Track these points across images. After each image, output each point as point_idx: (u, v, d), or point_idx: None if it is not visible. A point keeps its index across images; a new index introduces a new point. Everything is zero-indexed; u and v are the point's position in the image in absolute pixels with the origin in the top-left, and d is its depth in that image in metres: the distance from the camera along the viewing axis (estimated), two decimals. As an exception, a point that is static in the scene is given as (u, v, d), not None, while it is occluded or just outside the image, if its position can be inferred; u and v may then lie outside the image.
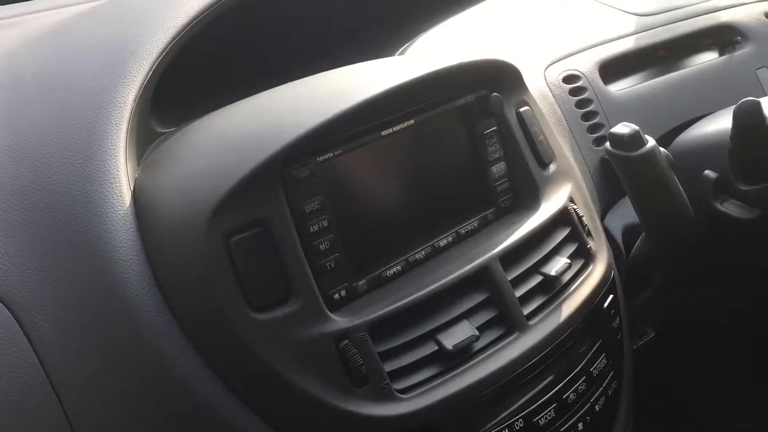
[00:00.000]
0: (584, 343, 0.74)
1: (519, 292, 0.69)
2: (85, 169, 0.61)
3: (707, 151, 0.96)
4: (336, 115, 0.60)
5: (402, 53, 1.01)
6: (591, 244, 0.78)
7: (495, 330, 0.68)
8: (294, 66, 0.80)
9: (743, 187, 0.90)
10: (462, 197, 0.75)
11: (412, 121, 0.69)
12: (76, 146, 0.62)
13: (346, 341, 0.59)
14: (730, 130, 0.86)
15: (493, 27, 1.18)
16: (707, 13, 1.30)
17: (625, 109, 1.09)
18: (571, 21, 1.23)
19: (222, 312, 0.56)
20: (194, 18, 0.71)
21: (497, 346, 0.67)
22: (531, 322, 0.69)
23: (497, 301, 0.68)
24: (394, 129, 0.68)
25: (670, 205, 0.84)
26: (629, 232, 0.99)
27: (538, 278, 0.72)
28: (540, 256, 0.73)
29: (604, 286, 0.77)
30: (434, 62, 0.69)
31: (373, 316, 0.61)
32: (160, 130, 0.74)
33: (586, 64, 1.11)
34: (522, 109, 0.79)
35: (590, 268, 0.77)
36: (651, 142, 0.82)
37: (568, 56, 1.11)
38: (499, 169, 0.77)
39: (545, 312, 0.71)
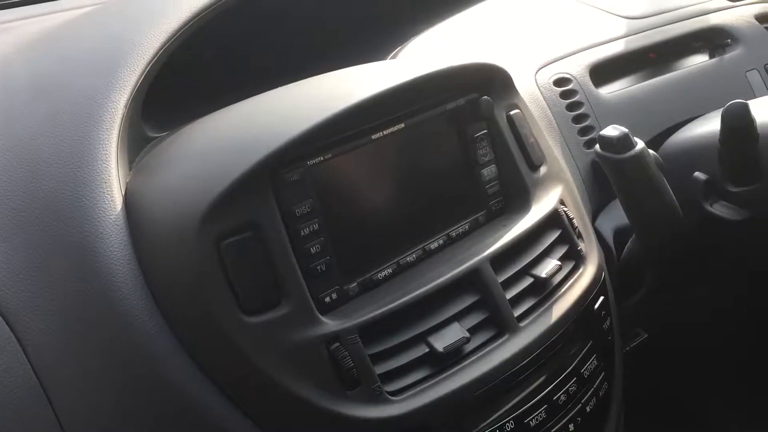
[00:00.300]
0: (575, 345, 0.75)
1: (510, 294, 0.70)
2: (76, 173, 0.61)
3: (697, 153, 0.97)
4: (326, 119, 0.60)
5: (394, 57, 1.02)
6: (581, 246, 0.79)
7: (486, 332, 0.68)
8: (285, 70, 0.80)
9: (733, 189, 0.90)
10: (453, 200, 0.75)
11: (403, 125, 0.69)
12: (67, 151, 0.63)
13: (337, 344, 0.60)
14: (719, 133, 0.86)
15: (484, 31, 1.18)
16: (697, 16, 1.30)
17: (615, 111, 1.09)
18: (562, 24, 1.23)
19: (213, 315, 0.57)
20: (185, 23, 0.72)
21: (488, 348, 0.67)
22: (522, 324, 0.69)
23: (488, 303, 0.69)
24: (385, 132, 0.68)
25: (660, 206, 0.85)
26: (620, 234, 1.00)
27: (529, 280, 0.72)
28: (531, 258, 0.73)
29: (595, 287, 0.78)
30: (425, 66, 0.69)
31: (364, 318, 0.62)
32: (151, 134, 0.74)
33: (576, 67, 1.11)
34: (512, 112, 0.79)
35: (581, 269, 0.78)
36: (640, 144, 0.83)
37: (558, 59, 1.11)
38: (489, 171, 0.77)
39: (536, 314, 0.71)
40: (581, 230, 0.81)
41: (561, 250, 0.77)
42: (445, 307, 0.67)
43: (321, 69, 0.77)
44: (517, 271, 0.72)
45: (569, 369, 0.73)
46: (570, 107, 1.06)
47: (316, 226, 0.62)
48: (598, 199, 1.02)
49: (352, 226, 0.66)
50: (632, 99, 1.13)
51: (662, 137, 1.06)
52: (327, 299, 0.63)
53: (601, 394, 0.76)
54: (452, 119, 0.75)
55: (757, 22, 1.33)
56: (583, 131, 1.06)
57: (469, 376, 0.65)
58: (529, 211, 0.77)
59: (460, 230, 0.74)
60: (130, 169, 0.66)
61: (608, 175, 0.87)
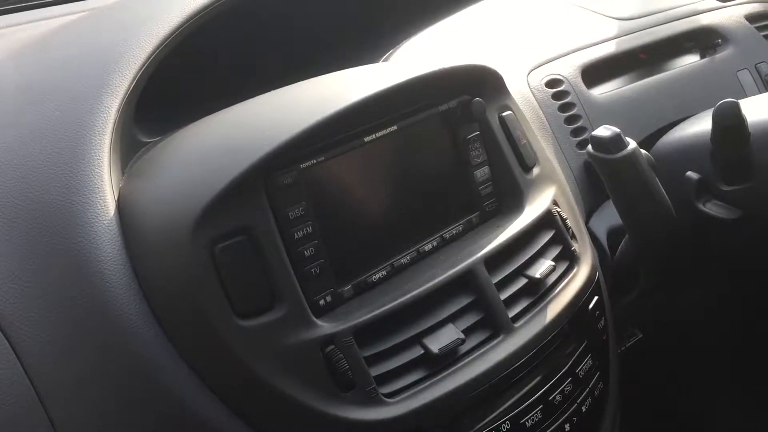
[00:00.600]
0: (570, 345, 0.75)
1: (504, 295, 0.70)
2: (69, 179, 0.61)
3: (689, 152, 0.97)
4: (318, 122, 0.60)
5: (386, 60, 1.02)
6: (575, 246, 0.79)
7: (481, 333, 0.68)
8: (278, 74, 0.80)
9: (725, 188, 0.91)
10: (446, 201, 0.75)
11: (395, 127, 0.70)
12: (60, 157, 0.62)
13: (332, 346, 0.60)
14: (710, 132, 0.87)
15: (476, 33, 1.18)
16: (688, 17, 1.31)
17: (607, 112, 1.10)
18: (553, 26, 1.24)
19: (207, 319, 0.56)
20: (177, 28, 0.72)
21: (483, 349, 0.67)
22: (516, 325, 0.70)
23: (482, 304, 0.69)
24: (378, 135, 0.68)
25: (652, 206, 0.85)
26: (613, 235, 1.00)
27: (523, 281, 0.72)
28: (524, 259, 0.74)
29: (589, 287, 0.78)
30: (416, 68, 0.69)
31: (358, 321, 0.62)
32: (144, 140, 0.74)
33: (568, 69, 1.11)
34: (504, 114, 0.79)
35: (575, 270, 0.78)
36: (632, 144, 0.83)
37: (550, 61, 1.11)
38: (482, 173, 0.78)
39: (530, 314, 0.71)
40: (575, 230, 0.81)
41: (555, 251, 0.77)
42: (440, 309, 0.67)
43: (313, 73, 0.77)
44: (511, 272, 0.72)
45: (564, 369, 0.73)
46: (562, 108, 1.07)
47: (309, 229, 0.62)
48: (591, 200, 1.03)
49: (346, 228, 0.66)
50: (624, 99, 1.13)
51: (654, 137, 1.06)
52: (321, 302, 0.63)
53: (596, 393, 0.76)
54: (445, 121, 0.75)
55: (747, 22, 1.34)
56: (576, 132, 1.06)
57: (464, 377, 0.65)
58: (522, 211, 0.77)
59: (454, 232, 0.75)
60: (122, 175, 0.66)
61: (601, 176, 0.87)
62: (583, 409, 0.74)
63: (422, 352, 0.64)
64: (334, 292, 0.64)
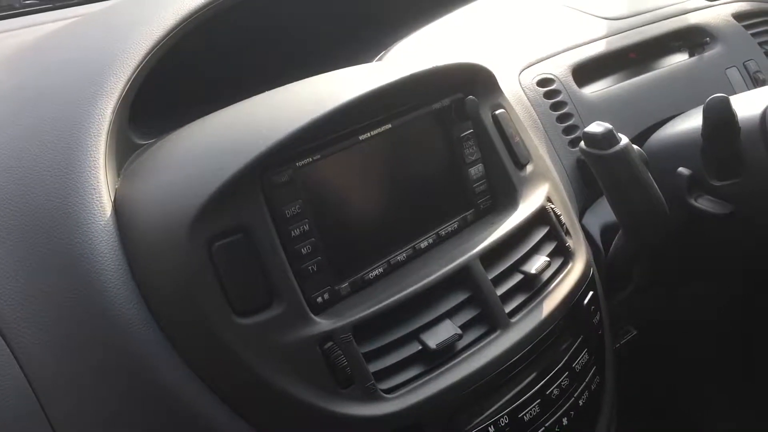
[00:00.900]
0: (566, 340, 0.75)
1: (500, 291, 0.70)
2: (65, 181, 0.61)
3: (680, 148, 0.98)
4: (313, 121, 0.61)
5: (380, 59, 1.03)
6: (569, 242, 0.80)
7: (477, 328, 0.69)
8: (272, 75, 0.81)
9: (716, 183, 0.92)
10: (441, 199, 0.76)
11: (390, 125, 0.70)
12: (55, 159, 0.63)
13: (331, 343, 0.60)
14: (701, 128, 0.88)
15: (468, 33, 1.19)
16: (676, 16, 1.32)
17: (598, 110, 1.10)
18: (544, 26, 1.25)
19: (205, 318, 0.57)
20: (171, 30, 0.72)
21: (480, 344, 0.68)
22: (513, 320, 0.70)
23: (479, 299, 0.69)
24: (372, 133, 0.69)
25: (645, 201, 0.85)
26: (607, 231, 1.01)
27: (519, 276, 0.73)
28: (520, 255, 0.74)
29: (584, 282, 0.79)
30: (410, 66, 0.70)
31: (356, 317, 0.62)
32: (139, 142, 0.74)
33: (559, 68, 1.12)
34: (497, 112, 0.80)
35: (569, 265, 0.78)
36: (624, 140, 0.84)
37: (541, 60, 1.12)
38: (476, 170, 0.78)
39: (526, 309, 0.72)
40: (569, 227, 0.81)
41: (549, 247, 0.78)
42: (437, 305, 0.67)
43: (307, 73, 0.77)
44: (506, 268, 0.72)
45: (561, 363, 0.73)
46: (554, 107, 1.07)
47: (306, 227, 0.63)
48: (584, 198, 1.03)
49: (342, 226, 0.67)
50: (615, 98, 1.14)
51: (645, 135, 1.07)
52: (319, 299, 0.63)
53: (593, 388, 0.77)
54: (438, 119, 0.75)
55: (734, 21, 1.35)
56: (568, 130, 1.06)
57: (462, 373, 0.65)
58: (516, 208, 0.78)
59: (449, 229, 0.75)
60: (118, 176, 0.66)
61: (594, 172, 0.87)
62: (580, 403, 0.74)
63: (420, 347, 0.64)
64: (332, 289, 0.65)
